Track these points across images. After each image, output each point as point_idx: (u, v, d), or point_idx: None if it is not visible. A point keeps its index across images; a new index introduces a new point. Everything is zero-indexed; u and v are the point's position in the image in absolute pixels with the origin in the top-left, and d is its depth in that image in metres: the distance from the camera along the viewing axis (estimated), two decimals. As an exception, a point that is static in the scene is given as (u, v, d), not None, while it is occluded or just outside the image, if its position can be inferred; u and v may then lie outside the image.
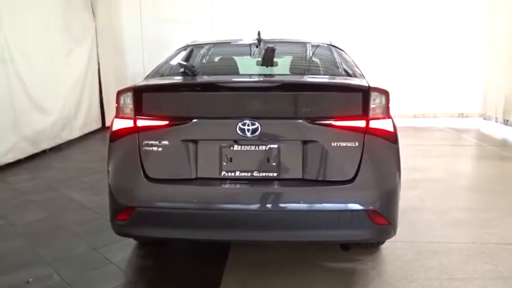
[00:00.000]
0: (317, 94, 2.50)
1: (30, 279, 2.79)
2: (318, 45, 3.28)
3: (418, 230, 3.54)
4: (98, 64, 8.44)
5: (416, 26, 8.84)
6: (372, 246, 3.13)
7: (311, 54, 3.14)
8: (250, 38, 3.39)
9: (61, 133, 6.93)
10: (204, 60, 3.12)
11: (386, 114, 2.47)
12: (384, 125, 2.46)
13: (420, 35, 8.84)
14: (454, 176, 5.27)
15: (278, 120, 2.44)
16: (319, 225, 2.42)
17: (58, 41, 6.93)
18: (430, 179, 5.06)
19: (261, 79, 2.75)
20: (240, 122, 2.38)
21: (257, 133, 2.38)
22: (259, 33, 3.31)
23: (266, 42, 3.24)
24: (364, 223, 2.40)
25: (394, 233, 2.62)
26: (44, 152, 6.48)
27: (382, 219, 2.43)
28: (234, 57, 3.20)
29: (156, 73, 2.91)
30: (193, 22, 8.79)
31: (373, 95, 2.43)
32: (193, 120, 2.44)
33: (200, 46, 3.34)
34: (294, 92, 2.50)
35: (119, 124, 2.53)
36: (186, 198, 2.45)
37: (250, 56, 3.16)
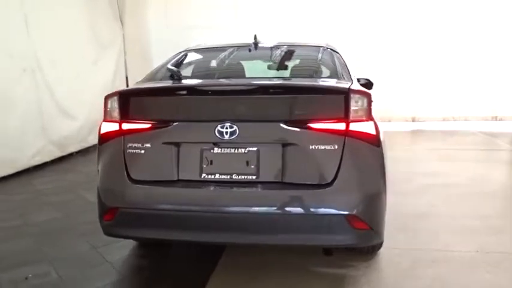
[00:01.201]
0: (296, 97, 2.49)
1: (30, 275, 2.93)
2: (313, 48, 3.27)
3: (420, 237, 3.43)
4: (126, 71, 8.73)
5: (446, 26, 8.58)
6: (366, 252, 3.07)
7: (303, 57, 3.13)
8: (249, 42, 3.42)
9: (88, 137, 7.21)
10: (194, 65, 3.18)
11: (368, 117, 2.41)
12: (365, 127, 2.40)
13: (451, 35, 8.58)
14: (475, 181, 5.05)
15: (257, 123, 2.45)
16: (297, 229, 2.41)
17: (86, 49, 7.23)
18: (448, 185, 4.88)
19: (239, 82, 2.77)
20: (219, 124, 2.41)
21: (235, 136, 2.41)
22: (255, 37, 3.33)
23: (262, 46, 3.28)
24: (343, 228, 2.36)
25: (379, 239, 2.56)
26: (71, 155, 6.78)
27: (362, 224, 2.38)
28: (225, 61, 3.24)
29: (148, 78, 3.00)
30: (218, 28, 8.93)
31: (354, 97, 2.39)
32: (175, 123, 2.50)
33: (196, 50, 3.41)
34: (272, 95, 2.51)
35: (106, 127, 2.62)
36: (167, 199, 2.50)
37: (243, 59, 3.19)
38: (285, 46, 3.25)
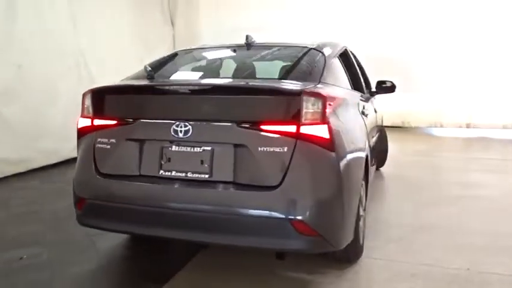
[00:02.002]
0: (248, 98, 2.47)
1: (24, 256, 3.20)
2: (297, 49, 3.18)
3: (413, 250, 3.23)
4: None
5: (507, 24, 7.88)
6: (341, 260, 2.94)
7: (281, 58, 3.09)
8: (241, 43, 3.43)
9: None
10: (175, 65, 3.26)
11: (322, 120, 2.32)
12: (318, 131, 2.32)
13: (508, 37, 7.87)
14: (510, 195, 4.62)
15: (210, 123, 2.47)
16: (243, 230, 2.38)
17: (131, 48, 7.62)
18: (477, 197, 4.51)
19: (194, 82, 2.79)
20: (175, 123, 2.47)
21: (188, 134, 2.45)
22: (247, 38, 3.33)
23: (252, 47, 3.29)
24: (288, 232, 2.30)
25: (333, 247, 2.46)
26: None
27: (309, 230, 2.30)
28: (204, 62, 3.27)
29: (128, 77, 3.14)
30: (267, 29, 8.98)
31: (306, 99, 2.32)
32: (138, 121, 2.61)
33: (187, 51, 3.50)
34: (225, 95, 2.51)
35: (82, 123, 2.81)
36: (128, 193, 2.60)
37: (222, 60, 3.21)
38: (271, 47, 3.22)
